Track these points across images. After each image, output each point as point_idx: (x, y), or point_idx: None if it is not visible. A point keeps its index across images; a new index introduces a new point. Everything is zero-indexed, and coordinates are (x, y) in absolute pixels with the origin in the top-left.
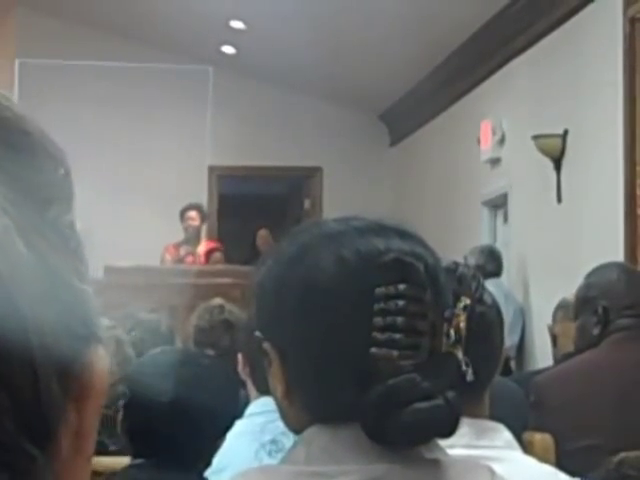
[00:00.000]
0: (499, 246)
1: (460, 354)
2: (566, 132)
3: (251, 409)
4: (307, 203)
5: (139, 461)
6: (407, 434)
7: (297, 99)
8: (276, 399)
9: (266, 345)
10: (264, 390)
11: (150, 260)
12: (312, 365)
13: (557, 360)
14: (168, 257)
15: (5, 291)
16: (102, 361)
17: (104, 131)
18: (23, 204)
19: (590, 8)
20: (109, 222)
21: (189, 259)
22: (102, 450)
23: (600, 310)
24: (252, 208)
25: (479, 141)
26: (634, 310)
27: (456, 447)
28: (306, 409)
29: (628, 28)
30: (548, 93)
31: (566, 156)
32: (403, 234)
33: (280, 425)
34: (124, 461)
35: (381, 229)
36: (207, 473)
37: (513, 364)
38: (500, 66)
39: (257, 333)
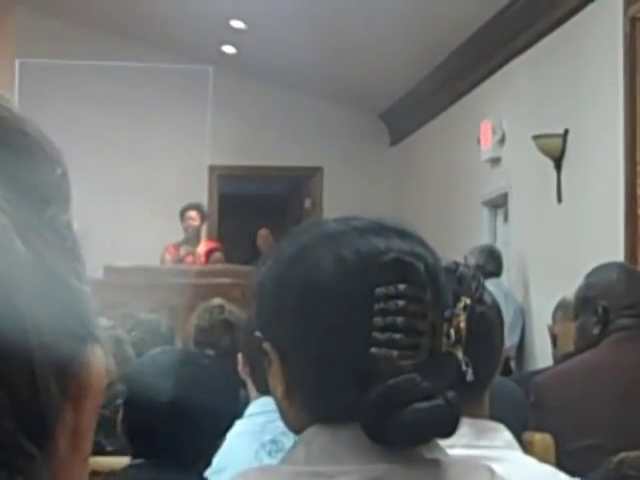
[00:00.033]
0: (499, 246)
1: (460, 354)
2: (566, 132)
3: (251, 409)
4: (307, 203)
5: (139, 461)
6: (407, 434)
7: (297, 99)
8: (276, 399)
9: (266, 345)
10: (264, 390)
11: (150, 260)
12: (312, 365)
13: (557, 360)
14: (168, 257)
15: (3, 290)
16: (99, 360)
17: (104, 131)
18: (21, 204)
19: (590, 8)
20: (109, 222)
21: (189, 259)
22: (99, 450)
23: (600, 310)
24: (252, 208)
25: (479, 141)
26: (634, 310)
27: (456, 447)
28: (306, 409)
29: (628, 28)
30: (548, 93)
31: (566, 156)
32: (403, 234)
33: (280, 425)
34: (122, 461)
35: (381, 229)
36: (207, 473)
37: (513, 364)
38: (500, 66)
39: (257, 333)
